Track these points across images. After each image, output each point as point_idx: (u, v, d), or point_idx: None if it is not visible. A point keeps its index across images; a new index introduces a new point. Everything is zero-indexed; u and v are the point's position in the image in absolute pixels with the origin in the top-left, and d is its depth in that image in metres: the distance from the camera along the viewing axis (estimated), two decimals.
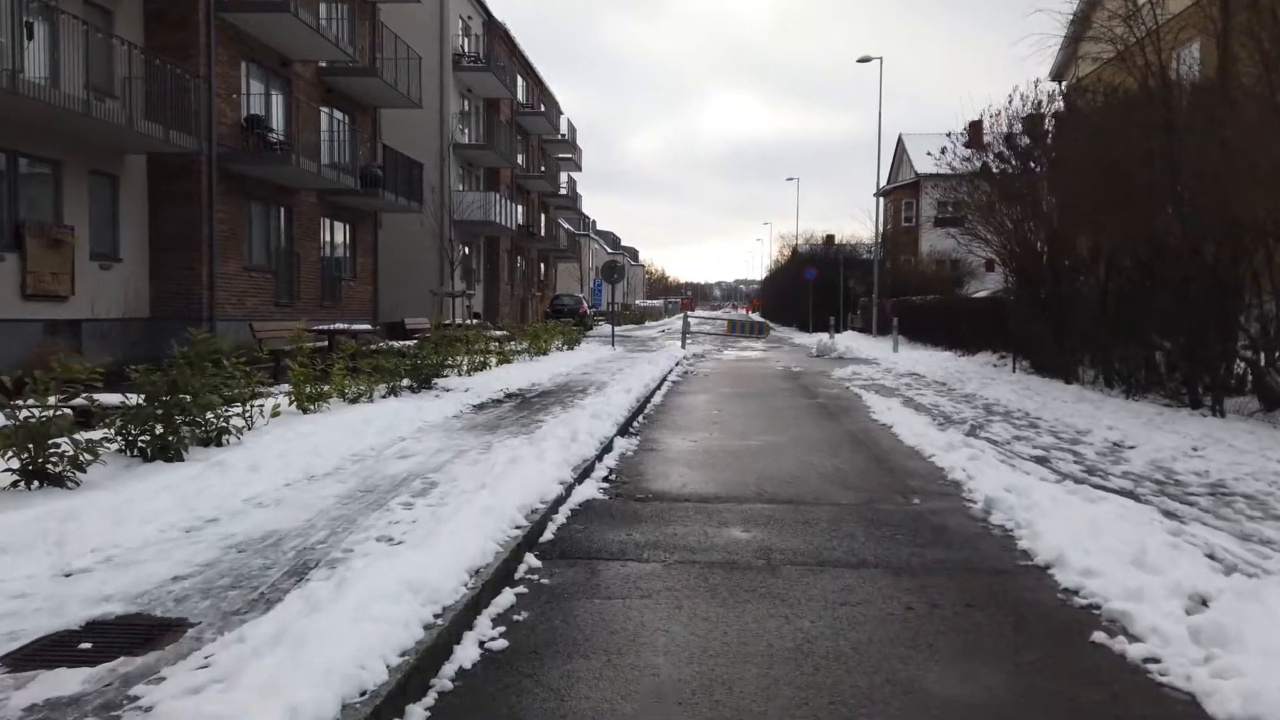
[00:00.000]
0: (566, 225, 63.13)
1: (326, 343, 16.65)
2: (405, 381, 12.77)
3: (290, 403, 9.85)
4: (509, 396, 13.42)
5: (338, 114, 27.84)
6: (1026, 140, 19.76)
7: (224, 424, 7.89)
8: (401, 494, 6.62)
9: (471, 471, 7.36)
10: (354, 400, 10.99)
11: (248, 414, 8.74)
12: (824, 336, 28.60)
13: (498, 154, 39.74)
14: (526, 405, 12.37)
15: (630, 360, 21.73)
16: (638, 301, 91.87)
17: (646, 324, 60.29)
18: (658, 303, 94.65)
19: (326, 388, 10.35)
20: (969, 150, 25.30)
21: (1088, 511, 6.35)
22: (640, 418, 12.11)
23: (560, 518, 6.46)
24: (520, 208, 47.58)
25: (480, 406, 12.11)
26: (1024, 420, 12.14)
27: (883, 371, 20.49)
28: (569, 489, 7.08)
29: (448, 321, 22.68)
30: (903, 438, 10.45)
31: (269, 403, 9.19)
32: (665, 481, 7.93)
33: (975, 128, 51.17)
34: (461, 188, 39.04)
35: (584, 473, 7.80)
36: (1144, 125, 12.66)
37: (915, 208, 50.02)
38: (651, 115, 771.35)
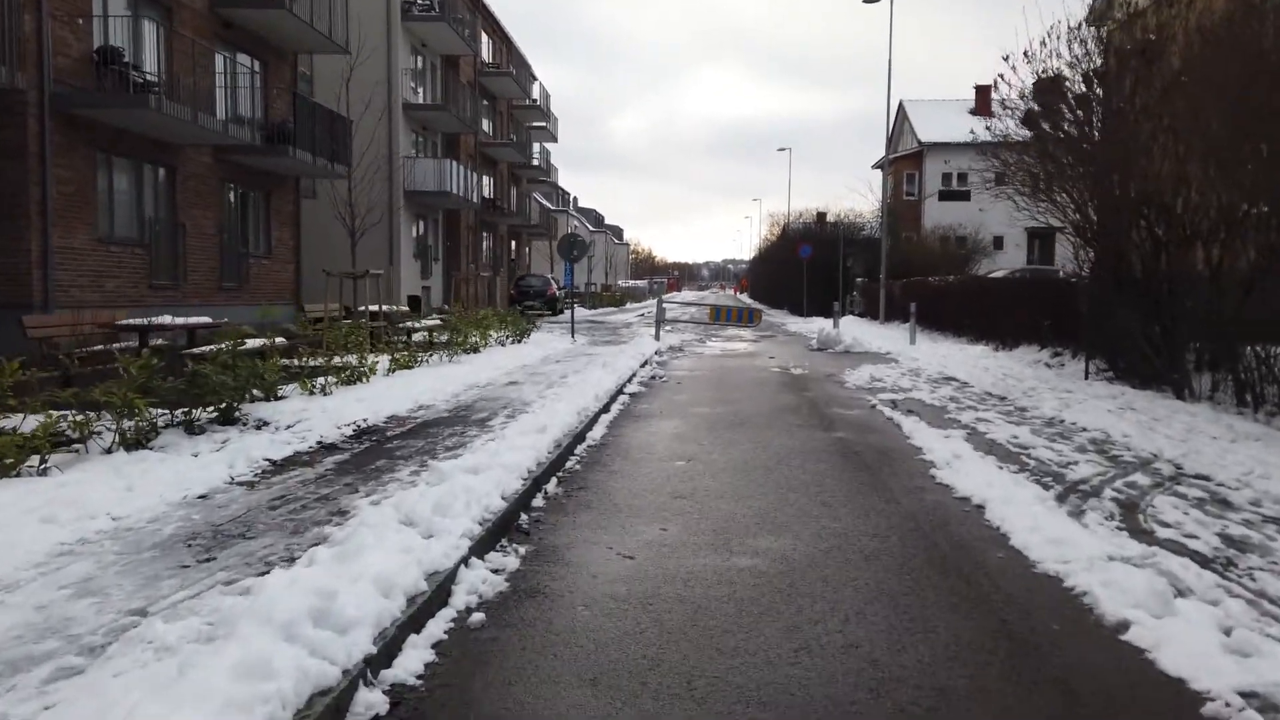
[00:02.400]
0: (543, 201, 57.79)
1: (138, 342, 11.53)
2: (180, 414, 7.67)
3: None
4: (355, 437, 8.28)
5: (243, 58, 22.53)
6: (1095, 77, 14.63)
7: None
8: None
9: None
10: (14, 463, 5.86)
11: None
12: (825, 325, 23.55)
13: (455, 117, 34.43)
14: (359, 465, 7.21)
15: (585, 359, 16.64)
16: (621, 282, 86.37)
17: (628, 306, 54.98)
18: (642, 283, 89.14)
19: None
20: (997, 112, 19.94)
21: None
22: (554, 481, 7.03)
23: None
24: (487, 179, 42.32)
25: (278, 467, 6.96)
26: (1195, 486, 7.07)
27: (908, 375, 15.44)
28: None
29: (362, 308, 17.50)
30: (1022, 544, 5.41)
31: None
32: None
33: (983, 93, 45.88)
34: (415, 154, 33.82)
35: None
36: None
37: (918, 180, 44.84)
38: (637, 92, 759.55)
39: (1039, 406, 11.27)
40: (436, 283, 35.78)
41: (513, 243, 48.90)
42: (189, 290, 20.08)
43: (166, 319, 11.70)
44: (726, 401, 11.88)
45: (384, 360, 12.60)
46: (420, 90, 34.87)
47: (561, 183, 64.76)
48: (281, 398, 9.55)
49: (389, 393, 10.52)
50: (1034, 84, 16.35)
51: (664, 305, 25.01)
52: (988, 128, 15.45)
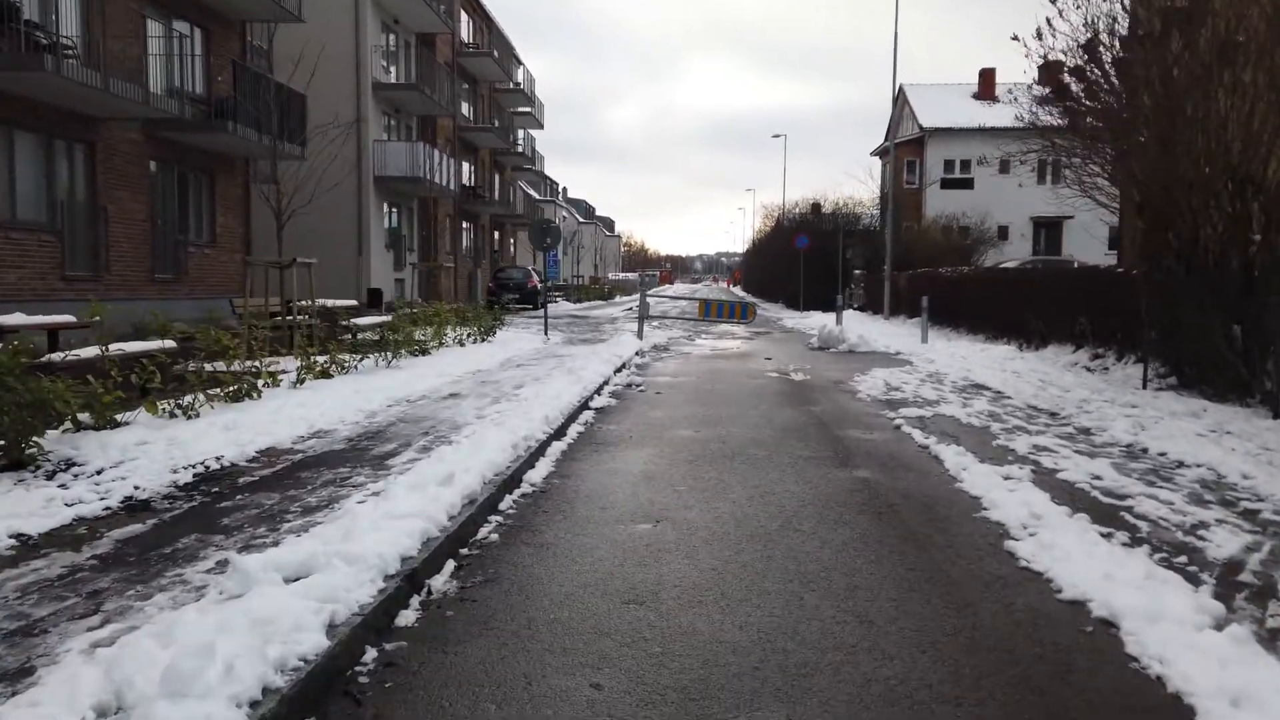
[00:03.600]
0: (529, 190, 55.28)
1: None
2: None
3: None
4: (188, 489, 5.81)
5: (181, 25, 20.04)
6: None
7: None
8: None
9: None
10: None
11: None
12: (826, 322, 21.13)
13: (430, 98, 31.88)
14: (149, 548, 4.62)
15: (554, 362, 14.21)
16: (611, 275, 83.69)
17: (616, 299, 52.46)
18: (633, 276, 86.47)
19: None
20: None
21: None
22: (448, 570, 4.61)
23: None
24: (467, 166, 39.81)
25: (21, 553, 4.47)
26: None
27: (929, 381, 13.03)
28: None
29: (293, 301, 15.01)
30: None
31: None
32: None
33: (987, 77, 43.33)
34: (386, 137, 31.36)
35: None
36: None
37: (919, 167, 42.36)
38: (632, 84, 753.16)
39: (1107, 428, 8.86)
40: (412, 275, 33.34)
41: (495, 233, 46.39)
42: (113, 283, 17.62)
43: (17, 318, 9.25)
44: (714, 420, 9.46)
45: (293, 367, 10.13)
46: (393, 70, 32.36)
47: (555, 175, 62.28)
48: (125, 424, 7.10)
49: (280, 415, 8.07)
50: (1039, 66, 13.87)
51: (649, 300, 22.54)
52: (1031, 87, 12.94)
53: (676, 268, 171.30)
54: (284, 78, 22.45)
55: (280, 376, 9.61)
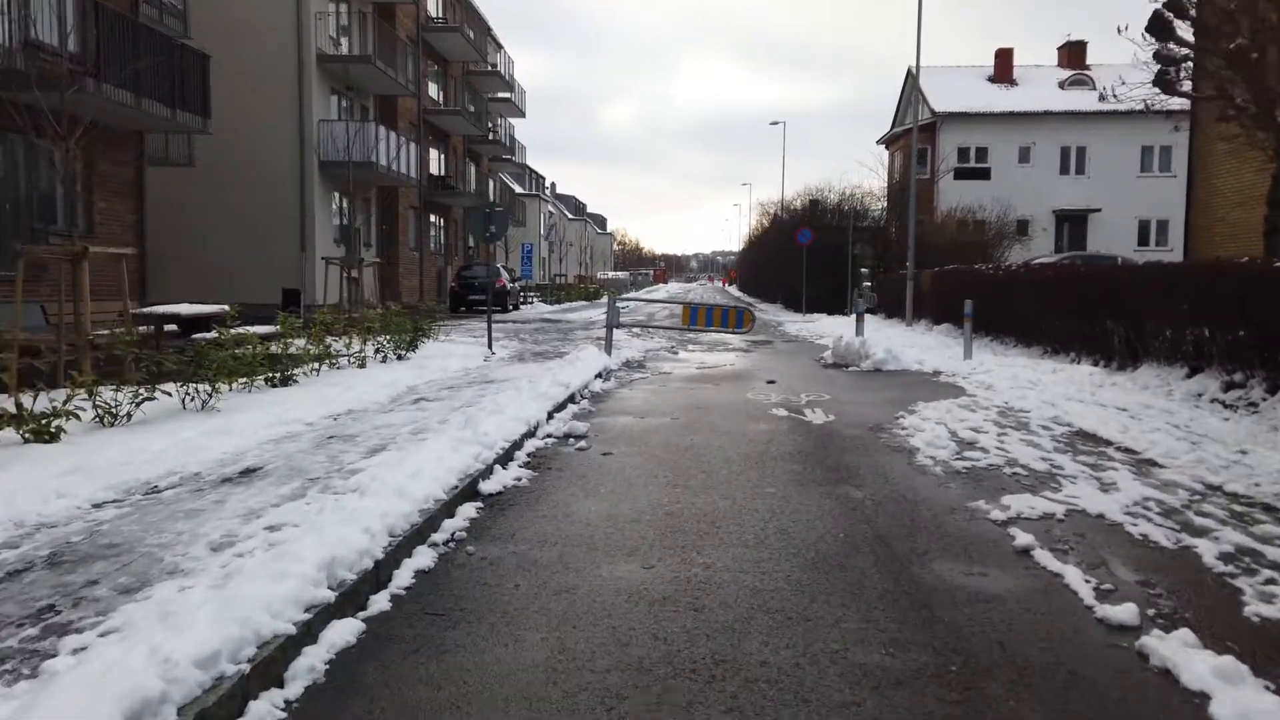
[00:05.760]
0: (512, 183, 50.90)
1: None
2: None
3: None
4: None
5: None
6: None
7: None
8: None
9: None
10: None
11: None
12: (843, 330, 16.82)
13: (386, 73, 27.52)
14: None
15: (474, 393, 9.91)
16: (601, 274, 79.09)
17: (602, 300, 48.08)
18: (624, 275, 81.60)
19: None
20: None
21: None
22: None
23: None
24: (436, 153, 35.48)
25: None
26: None
27: (1009, 425, 8.71)
28: None
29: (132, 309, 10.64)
30: None
31: None
32: None
33: (1004, 57, 38.77)
34: (336, 117, 27.06)
35: None
36: None
37: (930, 156, 37.94)
38: (626, 83, 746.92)
39: None
40: (368, 273, 28.98)
41: None
42: None
43: None
44: (686, 529, 5.14)
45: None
46: (345, 42, 28.03)
47: (550, 173, 57.88)
48: None
49: None
50: None
51: (637, 302, 18.23)
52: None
53: (671, 267, 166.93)
54: (217, 50, 18.36)
55: None
